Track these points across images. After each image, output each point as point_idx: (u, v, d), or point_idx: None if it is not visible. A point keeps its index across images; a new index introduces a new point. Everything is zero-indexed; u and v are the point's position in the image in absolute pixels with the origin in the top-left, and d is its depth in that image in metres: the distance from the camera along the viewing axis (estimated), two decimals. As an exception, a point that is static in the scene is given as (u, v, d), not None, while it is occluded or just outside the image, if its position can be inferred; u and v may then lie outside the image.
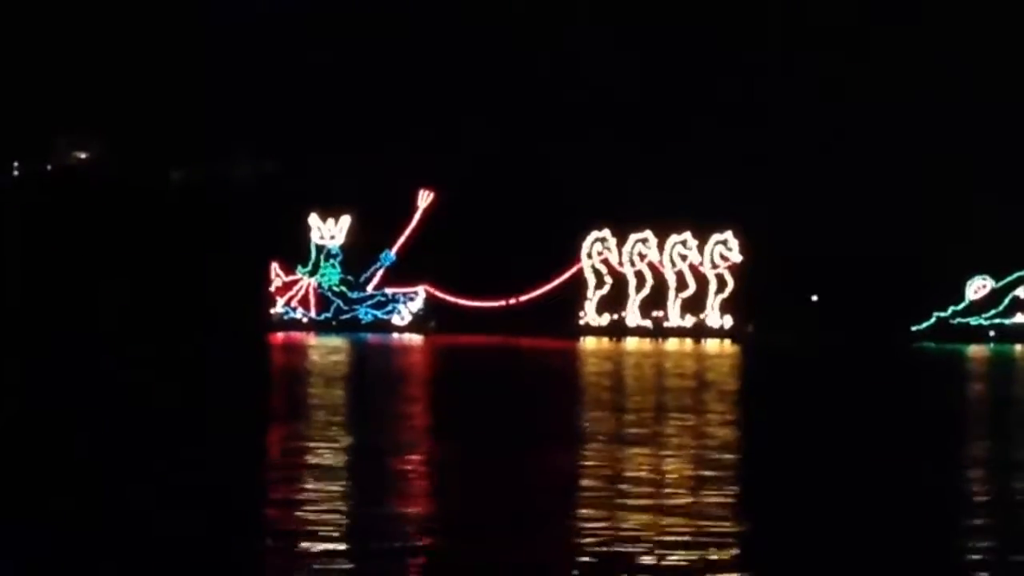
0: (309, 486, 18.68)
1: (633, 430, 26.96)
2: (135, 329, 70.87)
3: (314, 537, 15.02)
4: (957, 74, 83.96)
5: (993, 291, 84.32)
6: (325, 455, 22.17)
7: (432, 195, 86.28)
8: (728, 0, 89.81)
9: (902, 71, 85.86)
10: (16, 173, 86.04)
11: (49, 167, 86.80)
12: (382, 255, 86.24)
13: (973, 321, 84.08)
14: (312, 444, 23.57)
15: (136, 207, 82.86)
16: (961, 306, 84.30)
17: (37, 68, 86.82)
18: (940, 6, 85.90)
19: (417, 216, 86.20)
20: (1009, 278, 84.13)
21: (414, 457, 22.50)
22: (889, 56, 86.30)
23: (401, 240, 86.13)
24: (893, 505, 18.00)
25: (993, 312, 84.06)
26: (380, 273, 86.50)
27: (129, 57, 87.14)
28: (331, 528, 15.60)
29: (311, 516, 16.23)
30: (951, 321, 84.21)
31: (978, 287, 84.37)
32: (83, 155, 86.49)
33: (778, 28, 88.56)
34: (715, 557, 14.37)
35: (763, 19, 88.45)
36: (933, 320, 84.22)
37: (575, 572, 13.68)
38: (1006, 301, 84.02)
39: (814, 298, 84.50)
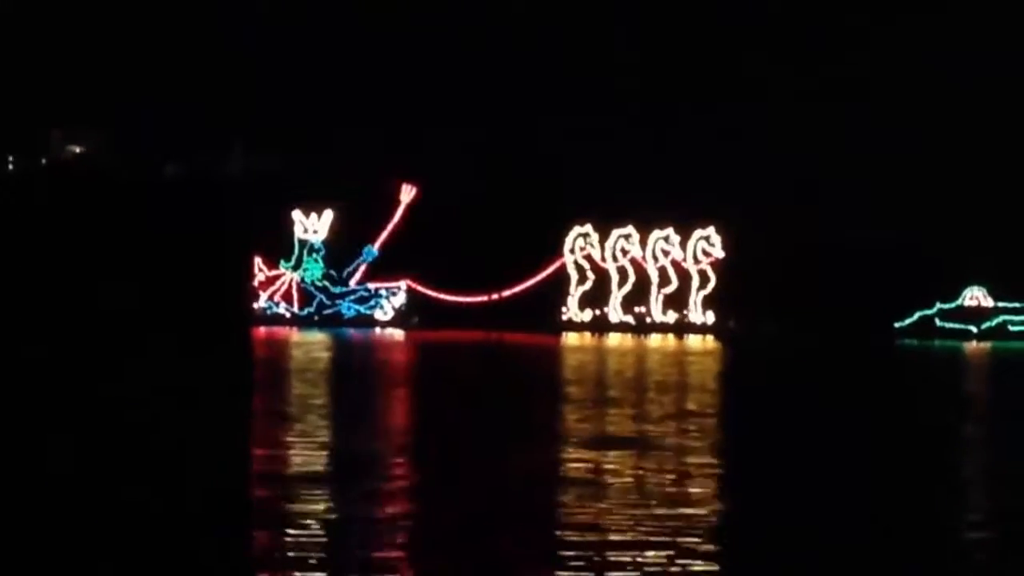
0: (291, 494, 18.63)
1: (611, 429, 26.93)
2: (124, 323, 70.59)
3: (293, 544, 14.98)
4: (947, 72, 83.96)
5: (986, 308, 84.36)
6: (306, 459, 22.11)
7: (415, 189, 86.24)
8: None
9: (889, 68, 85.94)
10: (10, 167, 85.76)
11: (44, 161, 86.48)
12: (364, 250, 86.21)
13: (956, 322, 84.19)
14: (293, 449, 23.51)
15: (130, 201, 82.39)
16: (951, 306, 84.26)
17: (30, 62, 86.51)
18: (927, 5, 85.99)
19: (400, 211, 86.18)
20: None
21: (394, 459, 22.45)
22: (876, 53, 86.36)
23: (384, 235, 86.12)
24: (868, 510, 18.00)
25: (988, 324, 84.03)
26: (363, 268, 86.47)
27: (122, 51, 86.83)
28: (309, 534, 15.56)
29: (292, 529, 16.19)
30: (935, 319, 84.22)
31: (972, 297, 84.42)
32: (78, 149, 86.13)
33: (764, 26, 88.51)
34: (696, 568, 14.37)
35: (749, 17, 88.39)
36: (916, 318, 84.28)
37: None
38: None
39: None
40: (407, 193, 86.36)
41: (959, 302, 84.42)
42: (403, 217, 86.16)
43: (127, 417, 27.94)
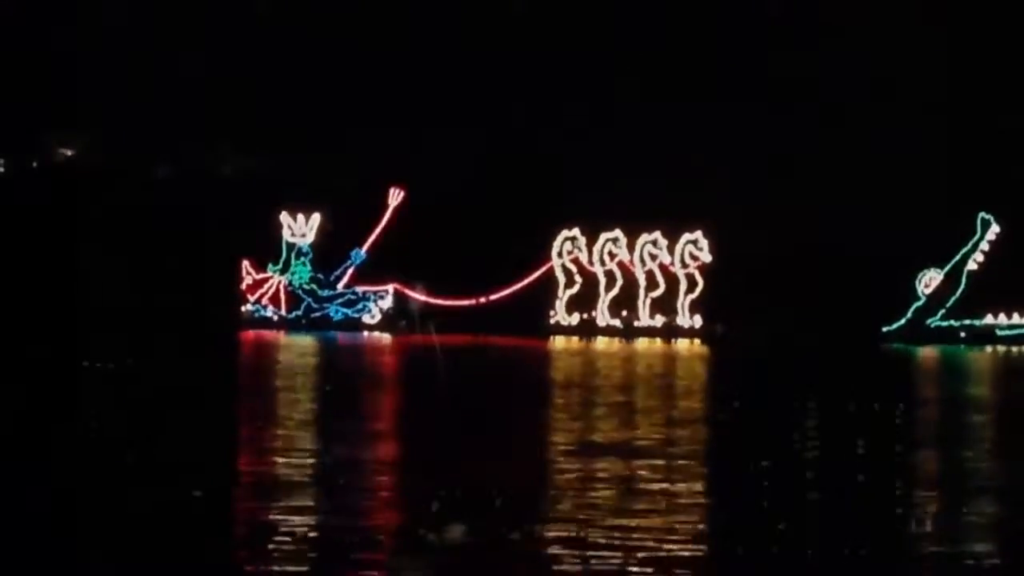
0: (275, 502, 18.57)
1: (599, 437, 26.89)
2: (111, 325, 70.46)
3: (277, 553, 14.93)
4: (930, 73, 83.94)
5: (946, 277, 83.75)
6: (288, 468, 22.06)
7: (403, 193, 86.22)
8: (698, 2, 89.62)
9: (874, 70, 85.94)
10: (0, 170, 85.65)
11: (34, 164, 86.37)
12: (352, 253, 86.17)
13: (943, 322, 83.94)
14: (279, 456, 23.46)
15: (119, 202, 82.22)
16: (920, 303, 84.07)
17: (19, 64, 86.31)
18: (904, 8, 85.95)
19: (388, 214, 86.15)
20: (955, 259, 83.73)
21: (379, 465, 22.39)
22: (860, 56, 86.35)
23: (372, 238, 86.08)
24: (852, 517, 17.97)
25: (955, 297, 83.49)
26: (351, 271, 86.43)
27: (113, 51, 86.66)
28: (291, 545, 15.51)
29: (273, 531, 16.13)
30: (924, 321, 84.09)
31: (927, 281, 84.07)
32: (68, 152, 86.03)
33: (747, 27, 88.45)
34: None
35: (734, 19, 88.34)
36: (904, 321, 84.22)
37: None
38: (963, 280, 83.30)
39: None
40: (395, 197, 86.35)
41: (920, 294, 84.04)
42: (391, 220, 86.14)
43: (114, 418, 27.87)
